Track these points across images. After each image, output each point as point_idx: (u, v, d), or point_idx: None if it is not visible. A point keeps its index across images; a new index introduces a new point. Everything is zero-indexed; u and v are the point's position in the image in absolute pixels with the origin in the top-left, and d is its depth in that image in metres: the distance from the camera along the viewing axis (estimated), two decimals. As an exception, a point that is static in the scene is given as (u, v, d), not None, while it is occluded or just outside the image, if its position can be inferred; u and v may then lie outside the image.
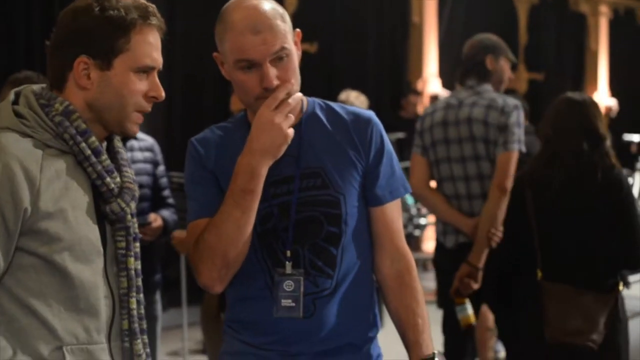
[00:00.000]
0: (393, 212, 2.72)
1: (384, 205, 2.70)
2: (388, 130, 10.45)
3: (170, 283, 7.28)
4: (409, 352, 2.69)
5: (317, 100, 2.73)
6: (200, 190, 2.64)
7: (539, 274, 4.25)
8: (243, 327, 2.68)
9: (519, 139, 4.91)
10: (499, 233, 4.77)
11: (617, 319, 4.20)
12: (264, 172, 2.49)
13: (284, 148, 2.50)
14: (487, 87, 5.19)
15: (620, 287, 4.23)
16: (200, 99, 10.10)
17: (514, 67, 5.40)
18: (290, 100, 2.50)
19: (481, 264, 4.86)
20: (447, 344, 5.21)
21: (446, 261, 5.17)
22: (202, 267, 2.55)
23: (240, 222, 2.49)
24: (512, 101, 5.05)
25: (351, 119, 2.68)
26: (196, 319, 7.55)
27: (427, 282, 10.37)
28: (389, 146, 2.72)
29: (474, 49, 5.32)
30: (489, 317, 6.61)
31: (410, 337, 2.69)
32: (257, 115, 2.49)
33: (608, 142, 4.32)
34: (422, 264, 11.20)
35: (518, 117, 4.96)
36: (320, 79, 11.00)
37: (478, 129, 5.02)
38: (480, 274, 4.85)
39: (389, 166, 2.69)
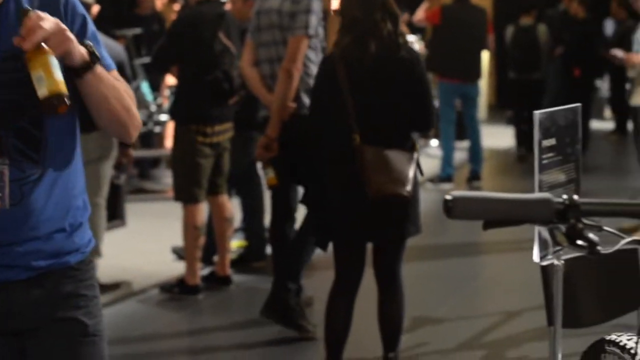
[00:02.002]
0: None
1: None
2: (125, 27, 10.10)
3: None
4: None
5: None
6: None
7: (357, 139, 4.61)
8: None
9: (306, 25, 5.55)
10: (288, 109, 5.54)
11: (419, 171, 4.77)
12: None
13: None
14: None
15: (417, 147, 4.81)
16: None
17: None
18: None
19: (275, 134, 5.56)
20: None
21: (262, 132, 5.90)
22: None
23: None
24: None
25: None
26: None
27: (169, 179, 10.35)
28: (91, 21, 2.64)
29: None
30: (227, 207, 6.68)
31: None
32: None
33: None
34: (166, 161, 11.11)
35: (308, 5, 5.58)
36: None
37: (275, 18, 5.67)
38: (275, 144, 5.56)
39: (96, 42, 2.59)
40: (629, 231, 7.94)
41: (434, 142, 12.89)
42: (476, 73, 10.78)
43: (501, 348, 5.61)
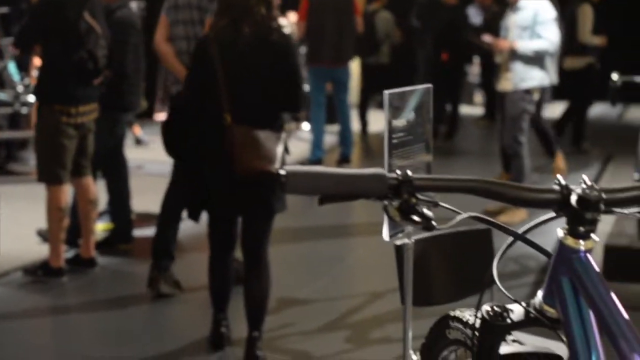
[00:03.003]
0: None
1: None
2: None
3: None
4: None
5: None
6: None
7: (228, 118, 4.76)
8: None
9: None
10: None
11: (286, 150, 4.92)
12: None
13: None
14: None
15: (286, 127, 5.05)
16: None
17: None
18: None
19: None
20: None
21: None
22: None
23: None
24: None
25: None
26: None
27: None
28: None
29: None
30: (92, 189, 6.60)
31: None
32: None
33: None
34: (33, 143, 10.92)
35: None
36: None
37: None
38: None
39: None
40: (493, 213, 8.11)
41: (306, 126, 12.95)
42: (346, 57, 10.84)
43: (364, 329, 5.67)
